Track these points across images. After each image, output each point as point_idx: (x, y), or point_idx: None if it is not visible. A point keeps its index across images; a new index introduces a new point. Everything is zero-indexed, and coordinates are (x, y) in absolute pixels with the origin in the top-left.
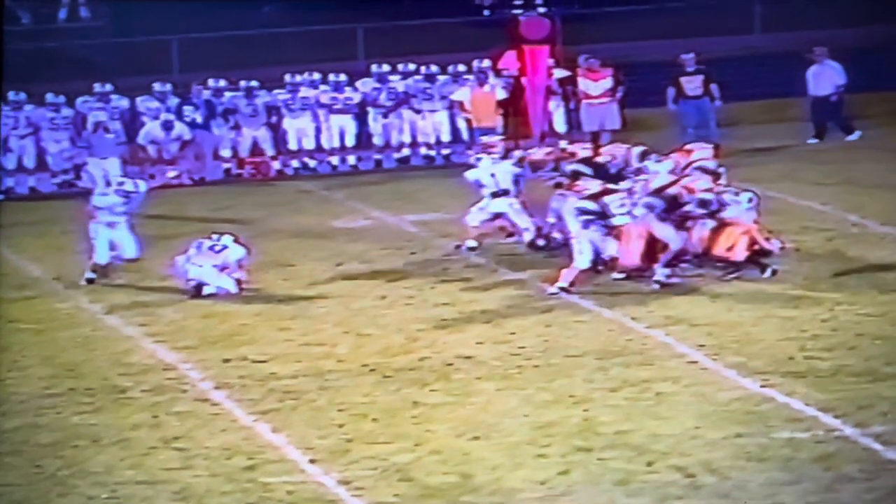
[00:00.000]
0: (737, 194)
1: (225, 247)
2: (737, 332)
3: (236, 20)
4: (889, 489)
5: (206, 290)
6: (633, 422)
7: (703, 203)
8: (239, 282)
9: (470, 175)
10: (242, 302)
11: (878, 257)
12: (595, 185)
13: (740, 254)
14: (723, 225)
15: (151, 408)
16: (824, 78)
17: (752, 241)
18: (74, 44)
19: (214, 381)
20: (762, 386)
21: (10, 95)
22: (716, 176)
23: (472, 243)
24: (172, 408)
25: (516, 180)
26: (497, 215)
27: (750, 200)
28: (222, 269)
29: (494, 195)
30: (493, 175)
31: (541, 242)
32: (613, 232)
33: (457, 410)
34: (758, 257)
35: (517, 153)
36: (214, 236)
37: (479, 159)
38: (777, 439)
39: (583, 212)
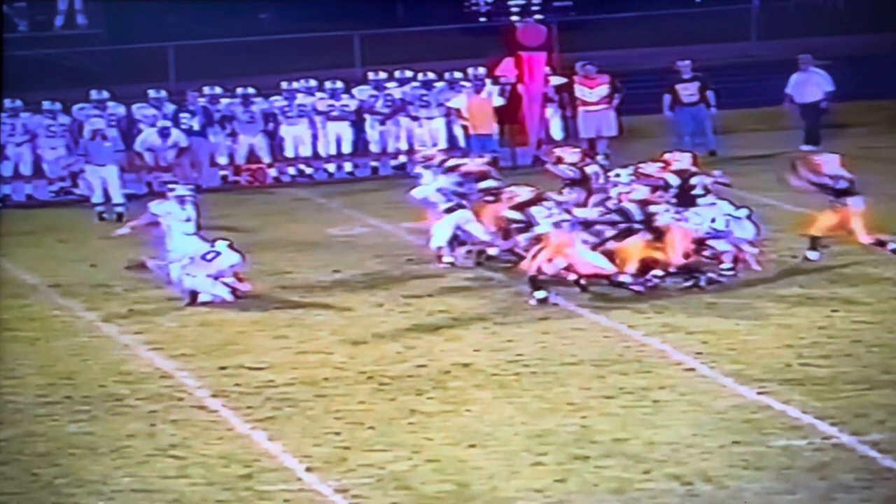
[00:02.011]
0: (736, 209)
1: (218, 254)
2: (733, 340)
3: (233, 28)
4: (886, 498)
5: (201, 298)
6: (630, 430)
7: (622, 212)
8: (234, 290)
9: (417, 194)
10: (239, 310)
11: (876, 266)
12: (526, 193)
13: (677, 258)
14: (659, 234)
15: (148, 416)
16: (811, 85)
17: (696, 249)
18: (71, 51)
19: (211, 389)
20: (759, 394)
21: (7, 103)
22: (659, 188)
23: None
24: (169, 416)
25: (462, 193)
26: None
27: (749, 216)
28: (216, 277)
29: (449, 210)
30: (440, 190)
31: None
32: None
33: (453, 419)
34: (695, 266)
35: (450, 162)
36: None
37: (419, 175)
38: (774, 447)
39: (509, 221)
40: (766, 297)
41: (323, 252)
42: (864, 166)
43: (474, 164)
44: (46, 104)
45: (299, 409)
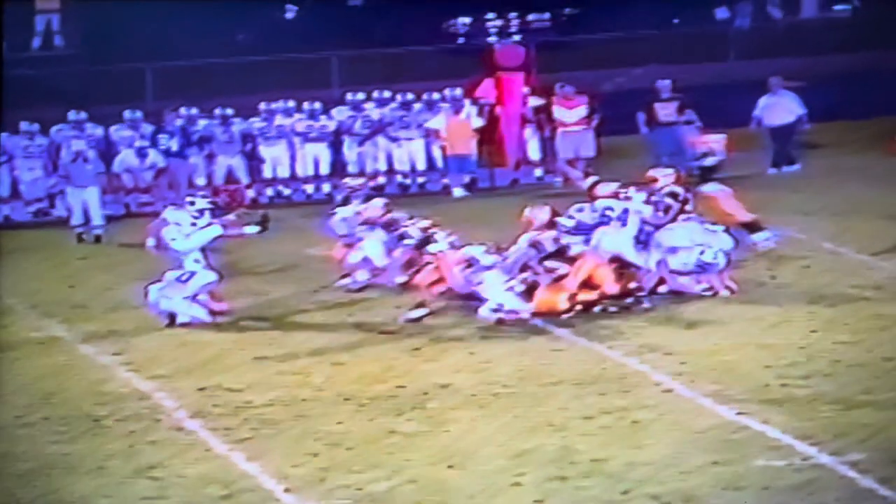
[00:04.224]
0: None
1: (192, 274)
2: (713, 360)
3: (210, 48)
4: None
5: (179, 320)
6: (610, 450)
7: (535, 246)
8: (212, 311)
9: (340, 229)
10: (217, 330)
11: (854, 285)
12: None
13: (610, 286)
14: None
15: (127, 437)
16: (780, 108)
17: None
18: (48, 72)
19: (189, 409)
20: (738, 414)
21: None
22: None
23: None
24: (147, 437)
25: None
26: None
27: (726, 229)
28: (193, 298)
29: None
30: (345, 220)
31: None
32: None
33: (433, 439)
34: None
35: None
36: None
37: (343, 206)
38: (754, 467)
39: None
40: (746, 316)
41: (301, 272)
42: (846, 186)
43: (373, 208)
44: (24, 125)
45: (278, 430)
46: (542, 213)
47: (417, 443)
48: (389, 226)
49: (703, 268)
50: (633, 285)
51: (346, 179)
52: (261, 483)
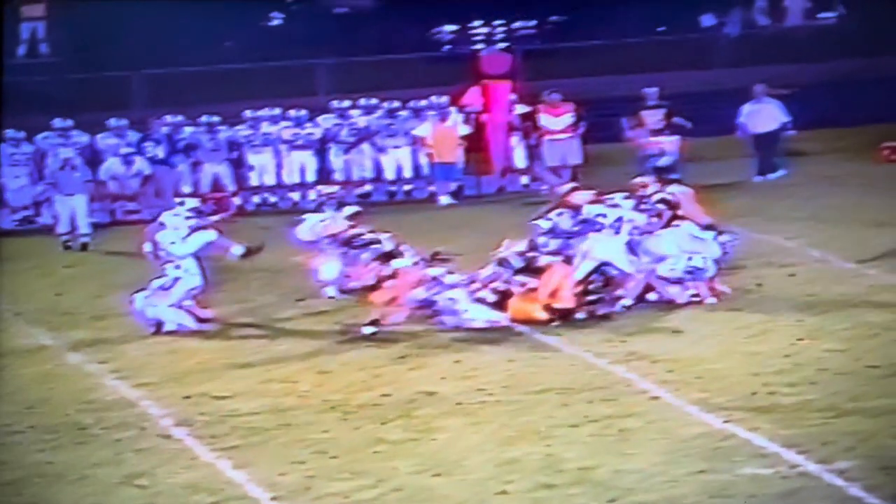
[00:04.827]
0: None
1: (176, 280)
2: (699, 368)
3: (197, 56)
4: None
5: (166, 328)
6: (597, 458)
7: (502, 263)
8: (199, 318)
9: (305, 236)
10: (204, 338)
11: (841, 293)
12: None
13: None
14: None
15: (113, 445)
16: (764, 115)
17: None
18: (34, 80)
19: (176, 417)
20: (725, 422)
21: None
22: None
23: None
24: (134, 445)
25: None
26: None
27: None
28: (179, 305)
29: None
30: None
31: None
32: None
33: (419, 447)
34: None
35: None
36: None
37: (313, 213)
38: (741, 475)
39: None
40: (732, 324)
41: (287, 280)
42: (832, 193)
43: (335, 223)
44: (10, 132)
45: (265, 438)
46: (519, 246)
47: (404, 451)
48: (350, 241)
49: (691, 273)
50: (590, 298)
51: (320, 186)
52: (248, 491)
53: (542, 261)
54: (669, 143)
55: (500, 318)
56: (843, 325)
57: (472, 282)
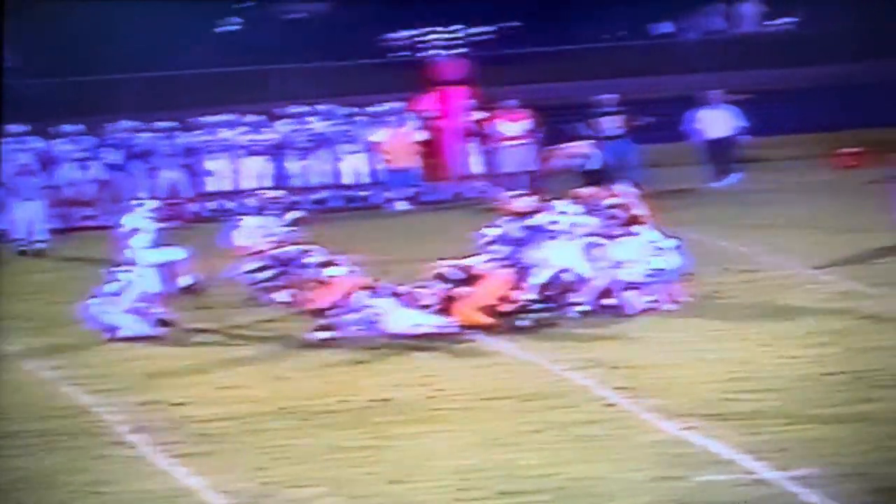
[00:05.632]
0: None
1: (129, 284)
2: (657, 375)
3: (152, 62)
4: None
5: (121, 334)
6: (555, 465)
7: (440, 277)
8: (155, 322)
9: (240, 239)
10: (159, 344)
11: (799, 300)
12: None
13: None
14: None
15: (69, 452)
16: (718, 120)
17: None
18: None
19: (132, 424)
20: (683, 429)
21: None
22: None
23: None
24: (90, 452)
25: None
26: None
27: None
28: (135, 311)
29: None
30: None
31: None
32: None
33: (377, 454)
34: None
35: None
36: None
37: (253, 217)
38: (699, 482)
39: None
40: (690, 331)
41: (243, 287)
42: (789, 200)
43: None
44: None
45: (221, 445)
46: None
47: (361, 458)
48: (288, 262)
49: (652, 276)
50: (548, 305)
51: (263, 191)
52: (204, 498)
53: (482, 269)
54: (587, 146)
55: (445, 322)
56: (801, 332)
57: (418, 288)
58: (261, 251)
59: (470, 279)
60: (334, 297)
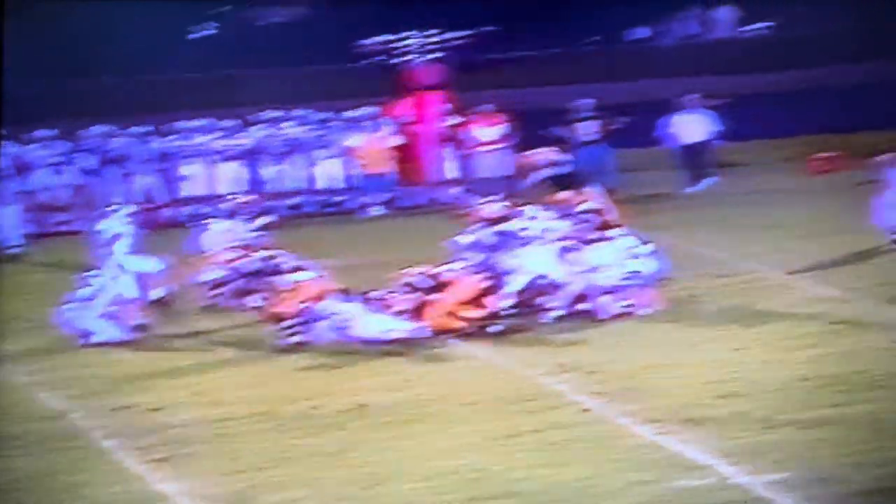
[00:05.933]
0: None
1: (100, 289)
2: (632, 380)
3: (127, 66)
4: None
5: (94, 339)
6: (528, 470)
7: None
8: (130, 327)
9: (208, 243)
10: (134, 349)
11: (773, 304)
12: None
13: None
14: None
15: (43, 458)
16: (693, 125)
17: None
18: None
19: (106, 429)
20: (658, 433)
21: None
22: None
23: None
24: (65, 457)
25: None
26: None
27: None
28: (108, 315)
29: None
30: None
31: None
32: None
33: (351, 459)
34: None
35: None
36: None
37: (223, 219)
38: (673, 487)
39: None
40: (665, 336)
41: (205, 295)
42: (765, 205)
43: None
44: None
45: (196, 450)
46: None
47: (336, 462)
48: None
49: (629, 279)
50: (522, 310)
51: (233, 195)
52: None
53: (450, 275)
54: (551, 152)
55: (418, 328)
56: (775, 337)
57: (391, 294)
58: (224, 260)
59: (439, 286)
60: (301, 302)
